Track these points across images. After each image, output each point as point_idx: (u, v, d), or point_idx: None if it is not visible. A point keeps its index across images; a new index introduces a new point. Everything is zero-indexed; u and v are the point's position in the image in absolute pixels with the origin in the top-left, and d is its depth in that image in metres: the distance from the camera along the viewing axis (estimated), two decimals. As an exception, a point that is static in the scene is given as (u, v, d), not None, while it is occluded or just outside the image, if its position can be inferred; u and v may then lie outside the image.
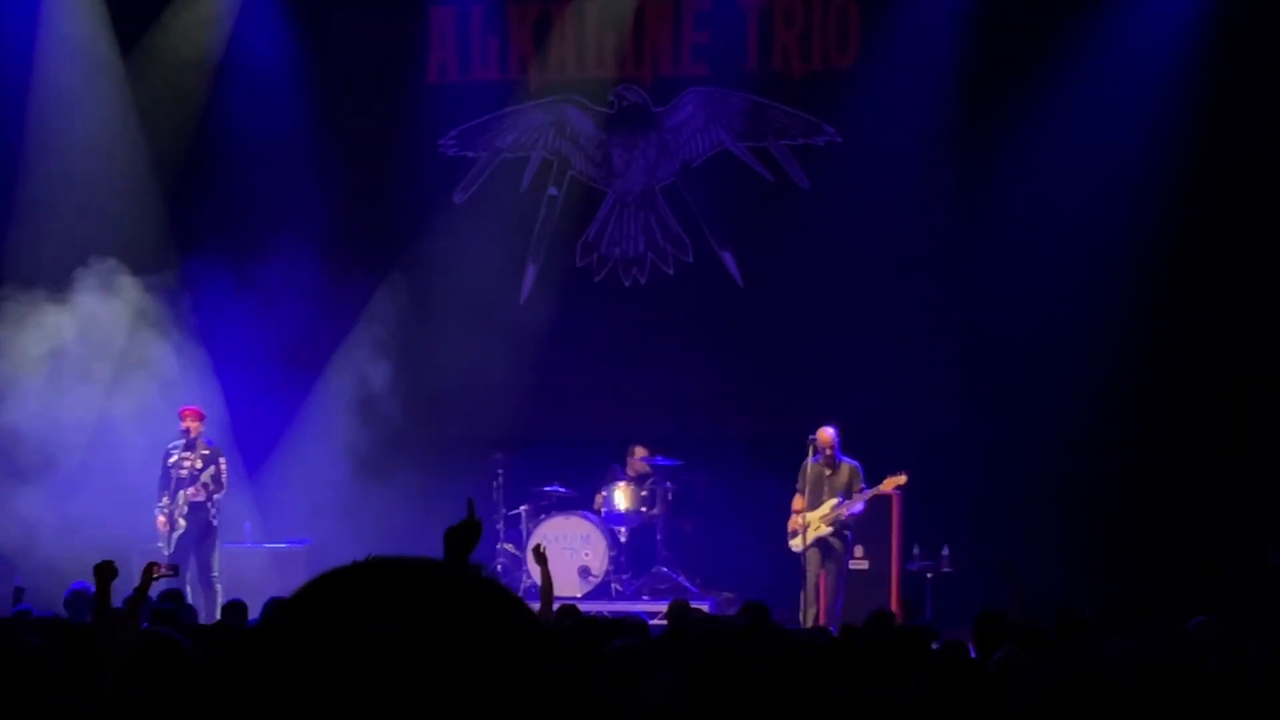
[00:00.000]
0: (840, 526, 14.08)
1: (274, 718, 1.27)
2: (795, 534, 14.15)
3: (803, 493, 14.18)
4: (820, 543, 14.05)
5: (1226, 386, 15.39)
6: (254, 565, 14.86)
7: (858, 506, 14.06)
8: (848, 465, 14.15)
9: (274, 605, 8.15)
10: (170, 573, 9.34)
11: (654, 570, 15.60)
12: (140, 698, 4.01)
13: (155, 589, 9.26)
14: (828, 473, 14.12)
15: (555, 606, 9.55)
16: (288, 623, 1.32)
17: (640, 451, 15.88)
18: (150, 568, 8.87)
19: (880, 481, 14.11)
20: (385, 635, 1.27)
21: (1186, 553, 14.70)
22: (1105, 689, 1.90)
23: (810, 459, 14.16)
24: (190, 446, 14.56)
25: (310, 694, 1.26)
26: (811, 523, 14.05)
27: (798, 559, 14.14)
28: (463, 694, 1.27)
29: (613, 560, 15.43)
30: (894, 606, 13.68)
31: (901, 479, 14.13)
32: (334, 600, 1.33)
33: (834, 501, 14.04)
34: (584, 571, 15.35)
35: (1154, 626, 7.51)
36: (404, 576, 1.33)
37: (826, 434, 14.14)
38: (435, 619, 1.29)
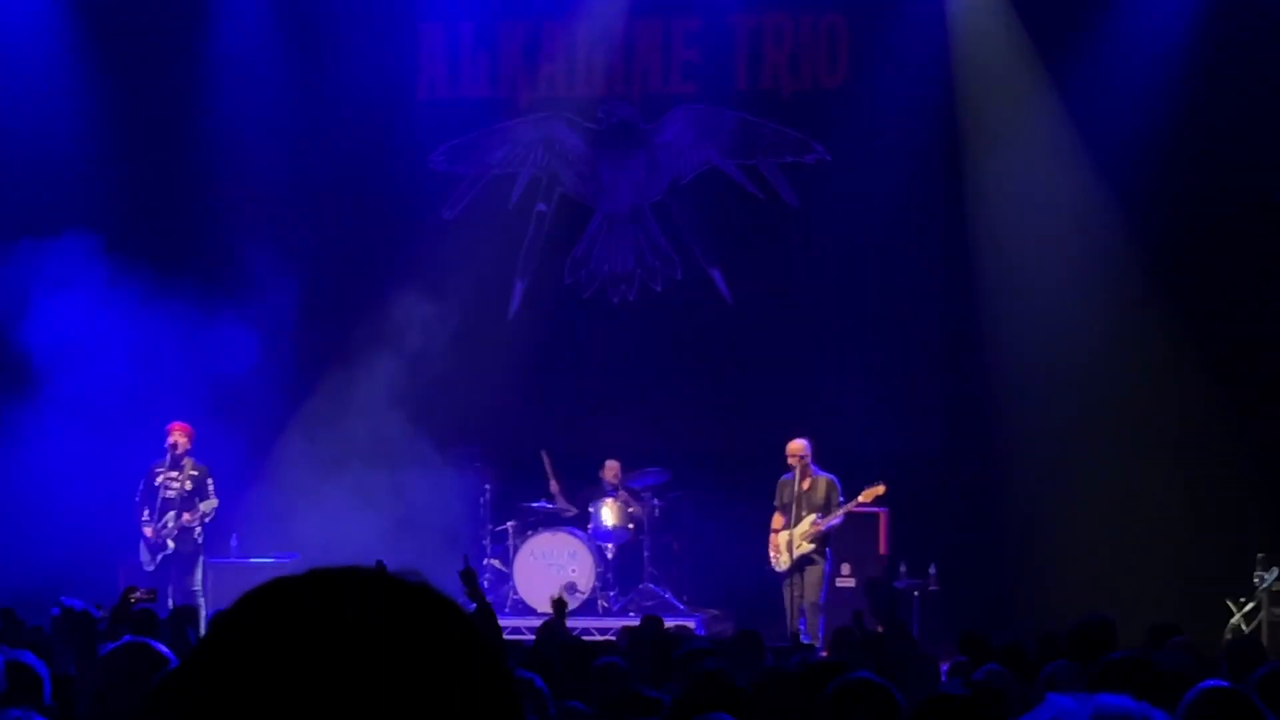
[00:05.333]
0: (821, 542, 14.09)
1: None
2: (777, 554, 14.15)
3: (781, 510, 14.19)
4: (802, 560, 14.06)
5: (1217, 402, 15.40)
6: (241, 580, 14.82)
7: (836, 519, 14.06)
8: (825, 479, 14.15)
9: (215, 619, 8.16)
10: (148, 597, 9.31)
11: (641, 587, 15.60)
12: (117, 708, 4.02)
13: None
14: (804, 487, 14.10)
15: (540, 623, 9.65)
16: (222, 638, 1.33)
17: (612, 465, 15.86)
18: (128, 592, 8.87)
19: (858, 494, 14.12)
20: (317, 646, 1.29)
21: (1174, 569, 14.69)
22: None
23: (785, 474, 14.17)
24: (176, 464, 14.52)
25: (246, 708, 1.28)
26: (794, 540, 14.05)
27: (780, 576, 14.14)
28: (394, 700, 1.28)
29: (600, 577, 15.42)
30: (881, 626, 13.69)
31: (880, 489, 14.09)
32: (270, 613, 1.34)
33: (813, 518, 14.03)
34: (571, 588, 15.32)
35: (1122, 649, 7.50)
36: (340, 586, 1.35)
37: (797, 445, 14.13)
38: (368, 629, 1.31)
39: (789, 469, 14.16)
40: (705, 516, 15.64)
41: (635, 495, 15.81)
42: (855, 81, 16.60)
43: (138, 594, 8.96)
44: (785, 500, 14.17)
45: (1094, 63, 15.87)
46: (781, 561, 14.13)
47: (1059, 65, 15.99)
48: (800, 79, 16.84)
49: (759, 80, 16.91)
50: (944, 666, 8.35)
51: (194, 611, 10.94)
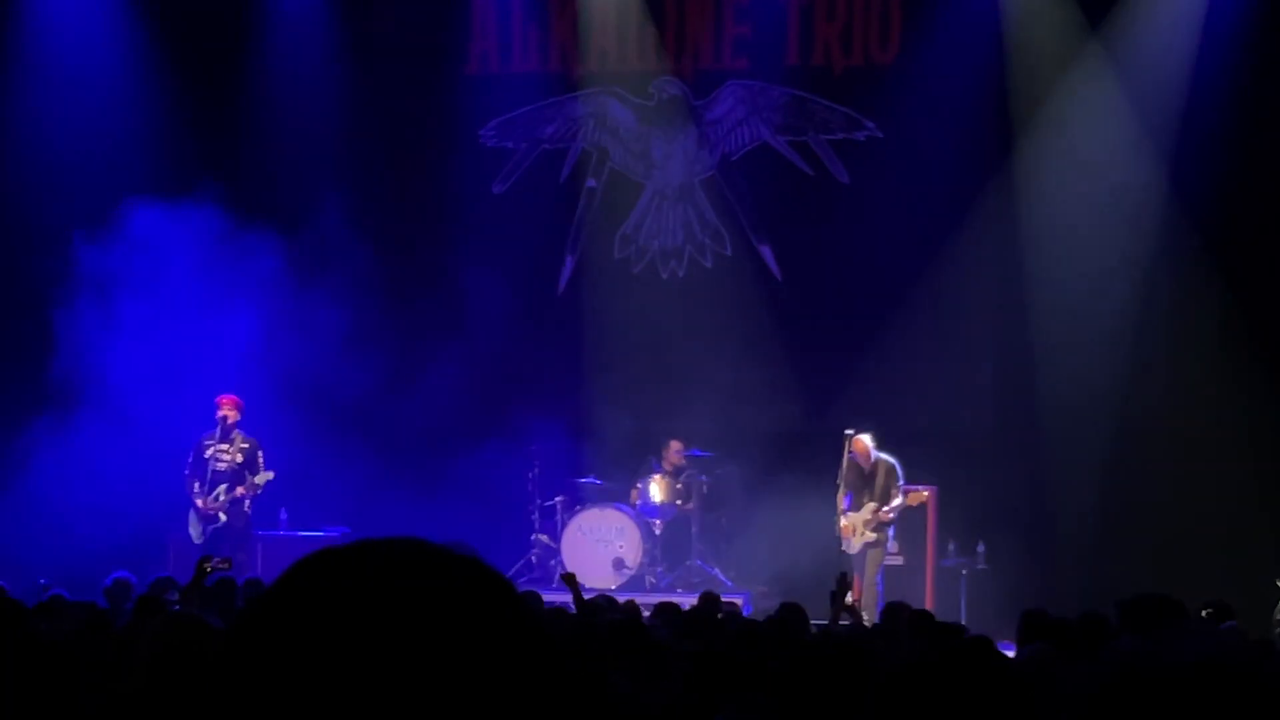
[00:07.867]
0: (882, 527, 14.25)
1: (261, 701, 1.28)
2: (848, 537, 14.31)
3: (848, 489, 14.36)
4: (866, 544, 14.26)
5: (1266, 385, 15.29)
6: (290, 553, 14.87)
7: (893, 512, 14.27)
8: (885, 463, 14.26)
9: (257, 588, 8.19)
10: (224, 565, 9.35)
11: (688, 563, 15.61)
12: (170, 680, 4.04)
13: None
14: (865, 472, 14.27)
15: (587, 598, 9.61)
16: (271, 605, 1.34)
17: (676, 445, 15.88)
18: (203, 561, 8.90)
19: (906, 493, 14.34)
20: (369, 614, 1.29)
21: (1224, 550, 14.60)
22: (1167, 691, 1.87)
23: (848, 456, 14.29)
24: (226, 437, 14.58)
25: (292, 675, 1.28)
26: (855, 526, 14.23)
27: (831, 554, 14.18)
28: (445, 670, 1.28)
29: (647, 553, 15.44)
30: (929, 604, 13.69)
31: (924, 495, 14.37)
32: (319, 582, 1.34)
33: (873, 506, 14.22)
34: (618, 564, 15.36)
35: (1183, 629, 7.45)
36: (390, 556, 1.35)
37: (861, 444, 14.33)
38: (418, 598, 1.31)
39: (848, 451, 14.42)
40: (753, 492, 15.64)
41: (683, 471, 15.83)
42: (907, 58, 16.50)
43: (214, 562, 9.00)
44: (851, 482, 14.36)
45: (1147, 38, 15.74)
46: (854, 544, 14.30)
47: (1112, 41, 15.87)
48: (852, 55, 16.76)
49: (810, 56, 16.83)
50: (1007, 647, 8.33)
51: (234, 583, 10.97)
